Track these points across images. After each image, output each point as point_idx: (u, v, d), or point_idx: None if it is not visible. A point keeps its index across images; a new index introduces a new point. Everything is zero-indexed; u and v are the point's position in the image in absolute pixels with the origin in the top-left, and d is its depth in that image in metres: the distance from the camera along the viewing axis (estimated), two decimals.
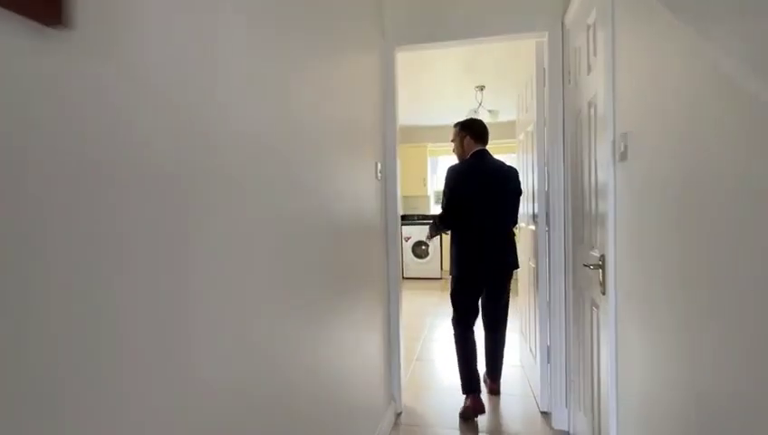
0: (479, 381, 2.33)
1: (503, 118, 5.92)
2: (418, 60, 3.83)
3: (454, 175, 2.38)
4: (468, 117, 4.49)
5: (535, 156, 2.34)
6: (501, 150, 6.61)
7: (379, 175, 2.20)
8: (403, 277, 6.42)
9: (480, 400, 2.27)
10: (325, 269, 1.40)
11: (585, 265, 1.55)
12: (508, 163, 2.48)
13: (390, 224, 2.34)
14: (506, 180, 2.37)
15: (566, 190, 2.10)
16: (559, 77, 2.09)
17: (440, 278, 6.33)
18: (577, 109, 1.82)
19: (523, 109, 2.82)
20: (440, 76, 4.21)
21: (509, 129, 6.41)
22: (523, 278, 2.93)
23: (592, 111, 1.57)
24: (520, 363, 2.97)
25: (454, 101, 5.03)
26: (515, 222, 2.48)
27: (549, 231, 2.19)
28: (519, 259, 2.49)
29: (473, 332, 2.39)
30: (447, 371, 2.89)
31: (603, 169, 1.41)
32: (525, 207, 2.72)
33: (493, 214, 2.30)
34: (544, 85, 2.21)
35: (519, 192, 2.42)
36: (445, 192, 2.39)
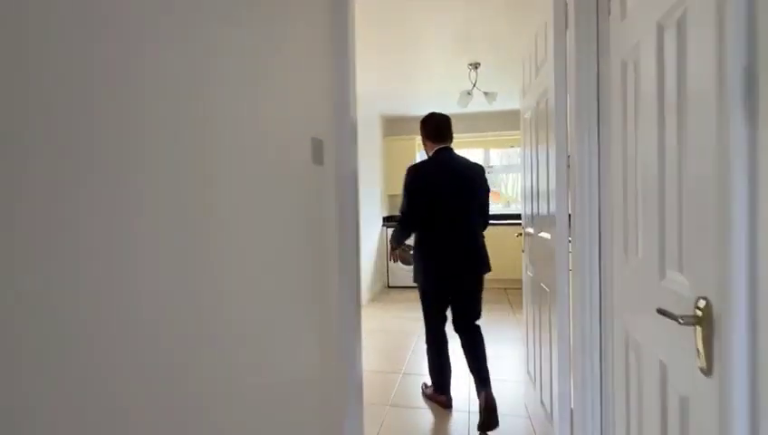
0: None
1: (501, 105, 5.24)
2: (402, 36, 3.13)
3: (414, 174, 2.23)
4: (461, 100, 3.82)
5: (551, 136, 1.64)
6: (500, 144, 5.99)
7: (322, 159, 1.49)
8: (388, 286, 5.72)
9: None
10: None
11: (662, 313, 0.85)
12: (474, 160, 2.38)
13: (347, 229, 1.64)
14: (473, 179, 2.23)
15: (600, 184, 1.40)
16: (592, 8, 1.38)
17: None
18: (632, 49, 1.12)
19: (529, 71, 2.10)
20: (427, 53, 3.52)
21: (508, 119, 5.76)
22: (528, 296, 2.24)
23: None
24: (526, 413, 2.27)
25: (444, 81, 4.33)
26: (486, 224, 2.36)
27: (573, 242, 1.50)
28: (522, 270, 2.26)
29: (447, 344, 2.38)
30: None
31: (718, 138, 0.71)
32: (532, 208, 2.04)
33: (461, 217, 2.17)
34: (566, 27, 1.51)
35: (487, 190, 2.32)
36: (404, 194, 2.23)
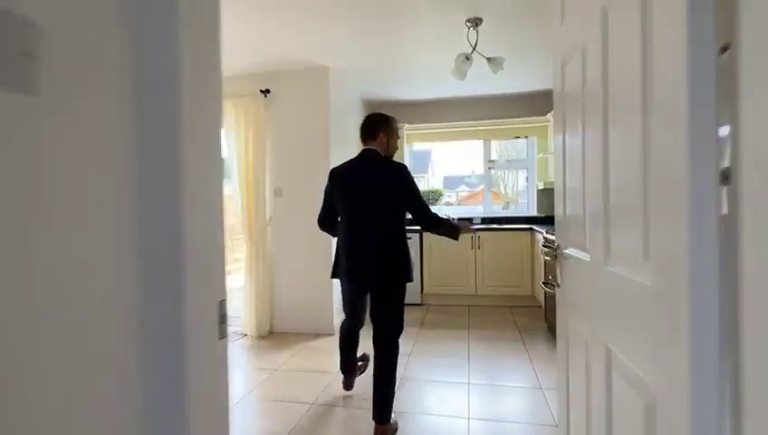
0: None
1: (503, 86, 4.33)
2: None
3: (329, 176, 2.27)
4: (457, 69, 2.92)
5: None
6: (502, 135, 4.97)
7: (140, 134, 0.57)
8: None
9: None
10: None
11: None
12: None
13: (189, 248, 0.72)
14: (388, 181, 2.09)
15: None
16: None
17: (421, 304, 4.71)
18: None
19: None
20: (415, 8, 2.62)
21: (513, 103, 4.80)
22: (574, 359, 1.34)
23: None
24: None
25: (436, 44, 3.41)
26: (433, 225, 2.19)
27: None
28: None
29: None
30: None
31: None
32: (587, 223, 1.14)
33: (368, 221, 2.11)
34: None
35: (412, 190, 2.10)
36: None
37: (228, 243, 5.64)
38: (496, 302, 4.58)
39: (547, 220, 4.95)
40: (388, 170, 2.10)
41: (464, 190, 8.34)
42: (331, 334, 3.69)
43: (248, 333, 3.72)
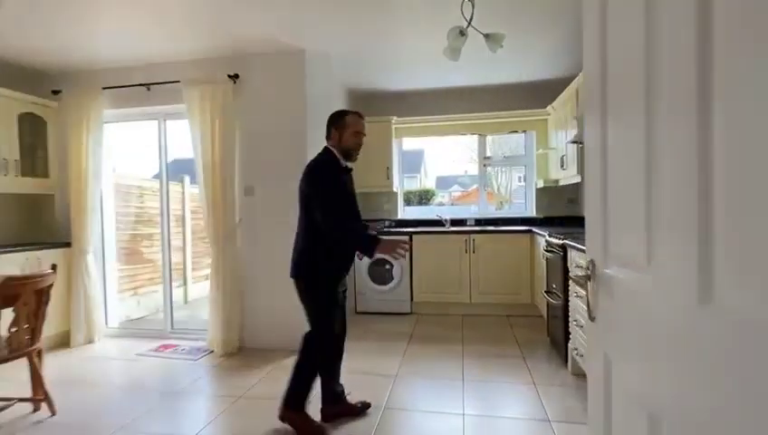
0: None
1: (508, 76, 3.93)
2: None
3: None
4: (451, 46, 2.53)
5: None
6: (498, 129, 4.42)
7: None
8: (356, 312, 4.38)
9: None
10: None
11: None
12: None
13: None
14: (302, 180, 2.12)
15: None
16: None
17: (411, 313, 4.31)
18: None
19: None
20: None
21: (512, 94, 4.37)
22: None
23: None
24: None
25: (426, 23, 3.02)
26: (328, 227, 2.00)
27: None
28: None
29: None
30: None
31: None
32: (649, 233, 0.73)
33: (299, 218, 2.17)
34: None
35: (315, 188, 2.03)
36: None
37: (194, 246, 5.19)
38: (493, 311, 4.19)
39: (547, 222, 4.58)
40: (308, 166, 2.11)
41: (456, 190, 7.98)
42: None
43: (214, 349, 3.29)
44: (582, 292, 2.32)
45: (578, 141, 3.22)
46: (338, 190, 2.04)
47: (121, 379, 2.94)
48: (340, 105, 4.31)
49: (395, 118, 4.65)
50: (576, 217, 4.52)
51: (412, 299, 4.31)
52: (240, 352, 3.32)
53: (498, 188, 5.96)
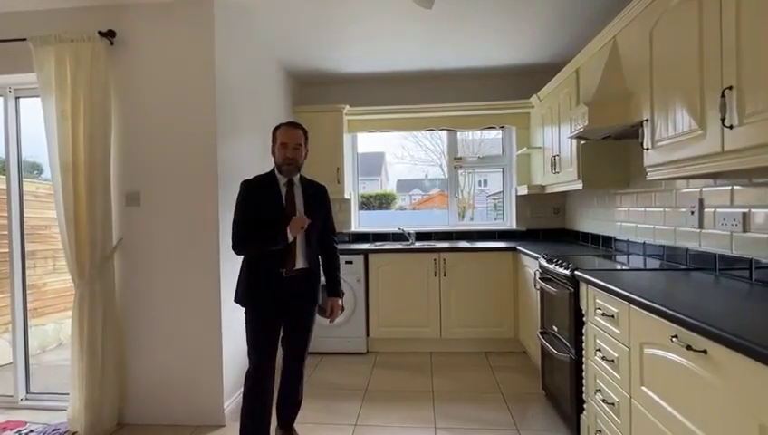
0: None
1: (484, 58, 3.10)
2: None
3: None
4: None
5: None
6: (470, 123, 3.56)
7: None
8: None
9: None
10: None
11: None
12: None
13: None
14: None
15: None
16: None
17: (366, 353, 3.42)
18: None
19: None
20: None
21: (499, 82, 3.34)
22: None
23: None
24: None
25: None
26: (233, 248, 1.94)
27: None
28: None
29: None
30: None
31: None
32: None
33: None
34: None
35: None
36: None
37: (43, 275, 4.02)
38: (468, 347, 3.38)
39: (529, 235, 3.84)
40: None
41: (417, 194, 7.17)
42: (221, 426, 2.32)
43: (77, 431, 2.24)
44: (612, 352, 1.54)
45: (583, 137, 2.46)
46: (245, 208, 1.91)
47: None
48: (274, 89, 3.36)
49: (347, 107, 3.75)
50: (562, 230, 3.80)
51: (368, 335, 3.42)
52: (119, 433, 2.30)
53: (461, 192, 5.21)
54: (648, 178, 1.89)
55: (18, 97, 2.60)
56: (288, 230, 1.84)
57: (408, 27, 2.81)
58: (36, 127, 2.62)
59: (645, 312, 1.40)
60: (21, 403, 2.59)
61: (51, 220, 3.73)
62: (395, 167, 6.40)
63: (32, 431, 2.29)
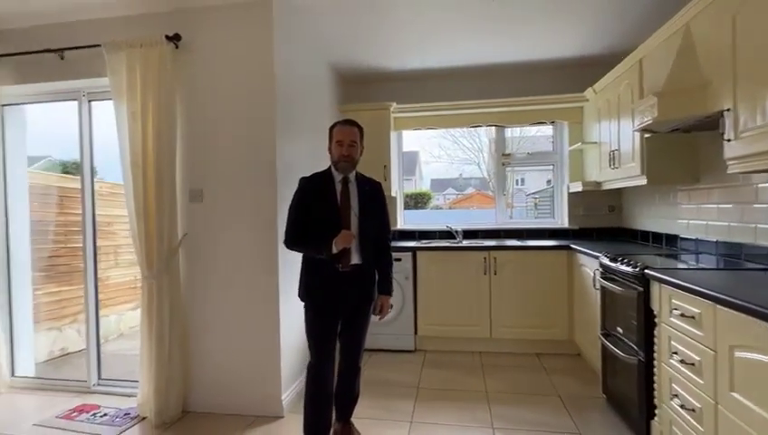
0: None
1: (534, 51, 3.05)
2: None
3: None
4: None
5: None
6: (520, 118, 3.49)
7: None
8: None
9: None
10: None
11: None
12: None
13: None
14: None
15: None
16: None
17: (415, 351, 3.41)
18: None
19: None
20: None
21: (550, 76, 3.24)
22: None
23: None
24: None
25: None
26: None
27: None
28: None
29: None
30: None
31: None
32: None
33: None
34: None
35: None
36: None
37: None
38: (519, 348, 3.30)
39: (582, 234, 3.71)
40: None
41: (451, 194, 7.04)
42: (279, 417, 2.37)
43: (147, 415, 2.36)
44: (692, 355, 1.45)
45: (649, 130, 2.34)
46: (300, 206, 1.95)
47: None
48: (324, 89, 3.41)
49: (394, 104, 3.75)
50: (618, 228, 3.65)
51: (416, 332, 3.41)
52: (183, 418, 2.40)
53: (509, 189, 5.08)
54: (728, 172, 1.77)
55: (90, 101, 2.76)
56: (334, 243, 1.83)
57: (464, 23, 2.77)
58: (96, 129, 2.79)
59: (736, 312, 1.31)
60: (93, 388, 2.75)
61: (113, 217, 3.96)
62: (429, 166, 6.34)
63: (105, 415, 2.43)
